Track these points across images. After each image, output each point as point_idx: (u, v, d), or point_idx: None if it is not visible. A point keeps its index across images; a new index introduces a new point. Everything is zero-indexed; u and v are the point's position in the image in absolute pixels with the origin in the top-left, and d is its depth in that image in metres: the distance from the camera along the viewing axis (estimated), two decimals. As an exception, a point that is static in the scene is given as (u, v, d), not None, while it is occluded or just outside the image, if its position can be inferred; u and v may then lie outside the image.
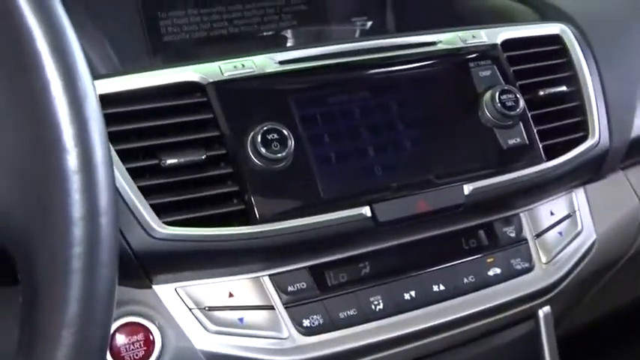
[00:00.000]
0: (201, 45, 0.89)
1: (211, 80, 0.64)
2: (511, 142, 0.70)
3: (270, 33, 0.90)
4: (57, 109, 0.35)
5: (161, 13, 0.88)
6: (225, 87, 0.65)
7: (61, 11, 0.37)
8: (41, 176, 0.36)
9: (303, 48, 0.70)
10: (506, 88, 0.70)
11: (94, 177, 0.36)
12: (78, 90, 0.36)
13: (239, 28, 0.91)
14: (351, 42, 0.71)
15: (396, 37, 0.73)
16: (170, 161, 0.61)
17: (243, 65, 0.66)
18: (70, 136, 0.35)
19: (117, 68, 0.81)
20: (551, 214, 0.76)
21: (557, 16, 0.83)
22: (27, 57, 0.36)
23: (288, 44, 0.91)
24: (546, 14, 0.85)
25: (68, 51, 0.36)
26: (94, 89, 0.37)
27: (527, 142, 0.71)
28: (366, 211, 0.64)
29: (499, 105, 0.69)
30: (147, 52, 0.86)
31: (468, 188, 0.68)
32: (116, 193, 0.39)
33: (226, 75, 0.65)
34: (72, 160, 0.36)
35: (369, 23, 0.95)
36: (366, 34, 0.96)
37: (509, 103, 0.69)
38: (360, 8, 0.94)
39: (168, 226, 0.59)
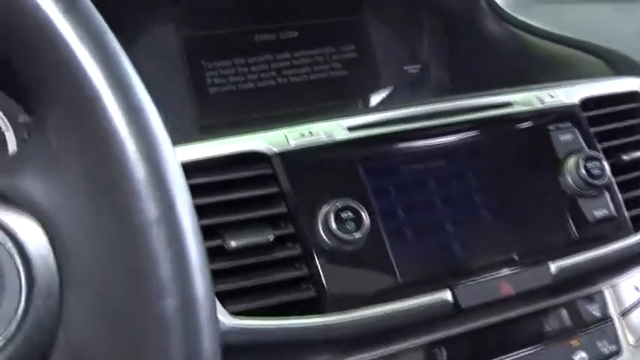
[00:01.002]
0: (248, 97, 0.81)
1: (277, 150, 0.58)
2: (597, 213, 0.64)
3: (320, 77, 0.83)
4: (155, 246, 0.29)
5: (207, 63, 0.81)
6: (292, 157, 0.58)
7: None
8: (138, 318, 0.29)
9: (373, 112, 0.63)
10: (591, 154, 0.63)
11: (196, 318, 0.29)
12: (179, 230, 0.29)
13: (287, 78, 0.84)
14: (423, 105, 0.64)
15: (469, 98, 0.66)
16: (235, 243, 0.53)
17: (310, 133, 0.59)
18: (170, 278, 0.29)
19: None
20: (636, 289, 0.69)
21: (630, 67, 0.76)
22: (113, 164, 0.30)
23: (341, 93, 0.84)
24: (616, 65, 0.79)
25: (170, 185, 0.29)
26: (194, 220, 0.31)
27: (614, 212, 0.64)
28: (447, 295, 0.57)
29: (584, 173, 0.63)
30: (192, 106, 0.79)
31: (554, 267, 0.61)
32: (219, 332, 0.32)
33: (293, 144, 0.58)
34: (173, 302, 0.29)
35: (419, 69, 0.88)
36: (418, 83, 0.88)
37: (595, 171, 0.63)
38: (413, 55, 0.87)
39: (234, 317, 0.52)
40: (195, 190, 0.55)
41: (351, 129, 0.61)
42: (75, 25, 0.30)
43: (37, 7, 0.30)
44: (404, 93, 0.88)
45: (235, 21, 0.82)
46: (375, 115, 0.63)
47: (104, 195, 0.30)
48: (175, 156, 0.32)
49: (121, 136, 0.30)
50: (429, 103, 0.65)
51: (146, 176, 0.30)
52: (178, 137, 0.61)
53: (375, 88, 0.87)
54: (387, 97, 0.86)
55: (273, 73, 0.84)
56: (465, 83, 0.85)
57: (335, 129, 0.61)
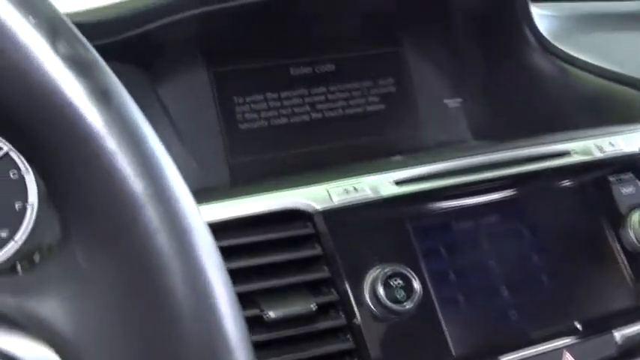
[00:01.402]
0: (281, 132, 0.76)
1: (319, 208, 0.53)
2: (664, 274, 0.58)
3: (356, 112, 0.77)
4: None
5: (237, 98, 0.76)
6: (335, 216, 0.53)
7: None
8: None
9: (420, 164, 0.58)
10: (656, 209, 0.58)
11: None
12: None
13: (322, 112, 0.78)
14: (475, 155, 0.59)
15: (523, 147, 0.61)
16: (274, 314, 0.48)
17: (355, 188, 0.54)
18: None
19: (191, 168, 0.69)
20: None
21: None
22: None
23: (379, 128, 0.79)
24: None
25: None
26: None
27: (680, 272, 0.58)
28: (504, 368, 0.52)
29: (649, 229, 0.57)
30: (222, 143, 0.75)
31: (619, 335, 0.56)
32: None
33: (336, 201, 0.53)
34: None
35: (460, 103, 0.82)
36: (459, 117, 0.83)
37: (661, 228, 0.57)
38: (453, 89, 0.81)
39: (275, 394, 0.47)
40: (229, 253, 0.51)
41: (398, 183, 0.56)
42: (113, 134, 0.25)
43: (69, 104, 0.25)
44: (443, 127, 0.82)
45: (268, 54, 0.77)
46: (423, 168, 0.58)
47: (142, 321, 0.25)
48: (227, 279, 0.27)
49: (164, 256, 0.25)
50: (482, 152, 0.60)
51: (192, 305, 0.25)
52: (210, 192, 0.56)
53: (414, 123, 0.82)
54: (426, 132, 0.81)
55: (308, 108, 0.79)
56: (507, 119, 0.80)
57: (381, 183, 0.56)
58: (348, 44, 0.81)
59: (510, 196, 0.59)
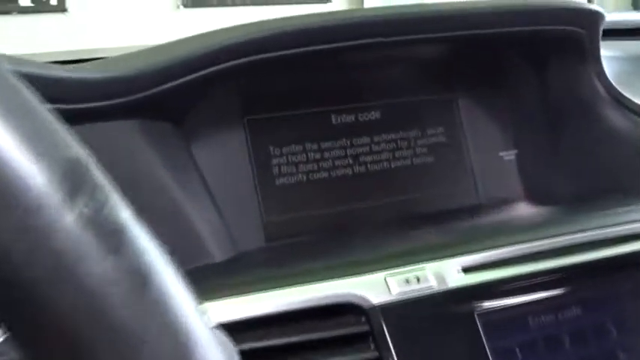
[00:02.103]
0: (321, 188, 0.69)
1: (376, 302, 0.45)
2: None
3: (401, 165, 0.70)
4: None
5: (274, 148, 0.68)
6: (395, 311, 0.45)
7: None
8: None
9: (490, 248, 0.50)
10: None
11: None
12: None
13: (366, 165, 0.71)
14: (552, 236, 0.51)
15: (604, 226, 0.52)
16: None
17: (417, 278, 0.46)
18: None
19: (223, 230, 0.61)
20: None
21: None
22: None
23: (427, 182, 0.72)
24: None
25: None
26: None
27: None
28: None
29: None
30: (256, 199, 0.68)
31: None
32: None
33: (396, 293, 0.45)
34: None
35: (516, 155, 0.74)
36: (513, 172, 0.74)
37: None
38: (510, 141, 0.73)
39: None
40: (271, 353, 0.43)
41: (466, 271, 0.47)
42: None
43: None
44: (498, 183, 0.75)
45: (307, 100, 0.70)
46: (494, 252, 0.49)
47: None
48: None
49: None
50: (555, 230, 0.52)
51: None
52: (241, 282, 0.48)
53: (466, 177, 0.75)
54: (479, 187, 0.74)
55: (350, 161, 0.72)
56: (569, 175, 0.72)
57: (447, 271, 0.48)
58: (396, 90, 0.74)
59: (594, 284, 0.50)
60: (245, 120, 0.69)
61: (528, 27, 0.64)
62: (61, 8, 2.13)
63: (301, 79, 0.70)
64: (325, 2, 2.39)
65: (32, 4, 2.11)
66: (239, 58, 0.55)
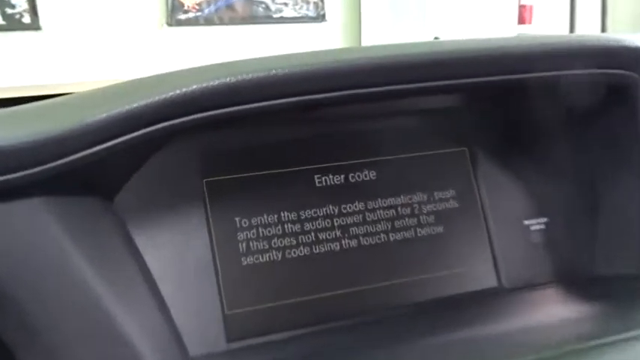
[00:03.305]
0: (300, 270, 0.56)
1: None
2: None
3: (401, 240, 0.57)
4: None
5: (241, 219, 0.54)
6: None
7: None
8: None
9: None
10: None
11: None
12: None
13: (358, 239, 0.58)
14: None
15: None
16: None
17: None
18: None
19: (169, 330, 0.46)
20: None
21: None
22: None
23: (436, 262, 0.59)
24: None
25: None
26: None
27: None
28: None
29: None
30: (215, 285, 0.54)
31: None
32: None
33: None
34: None
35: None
36: (542, 246, 0.59)
37: None
38: (539, 205, 0.59)
39: None
40: None
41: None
42: None
43: None
44: (524, 260, 0.61)
45: (284, 158, 0.57)
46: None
47: None
48: None
49: None
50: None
51: None
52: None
53: (484, 253, 0.60)
54: (501, 266, 0.60)
55: (338, 233, 0.58)
56: (612, 249, 0.58)
57: None
58: (395, 144, 0.60)
59: None
60: (203, 183, 0.55)
61: (561, 71, 0.49)
62: (34, 26, 2.01)
63: (275, 131, 0.56)
64: (320, 22, 2.25)
65: (4, 22, 1.99)
66: (194, 113, 0.40)
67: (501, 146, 0.61)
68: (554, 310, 0.55)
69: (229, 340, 0.52)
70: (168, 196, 0.52)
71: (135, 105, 0.38)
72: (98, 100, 0.41)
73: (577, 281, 0.58)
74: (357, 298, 0.56)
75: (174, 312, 0.50)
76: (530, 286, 0.59)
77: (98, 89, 0.46)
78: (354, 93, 0.42)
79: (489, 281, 0.59)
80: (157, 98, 0.39)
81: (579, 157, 0.59)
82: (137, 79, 0.46)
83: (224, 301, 0.53)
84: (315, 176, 0.57)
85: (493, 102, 0.59)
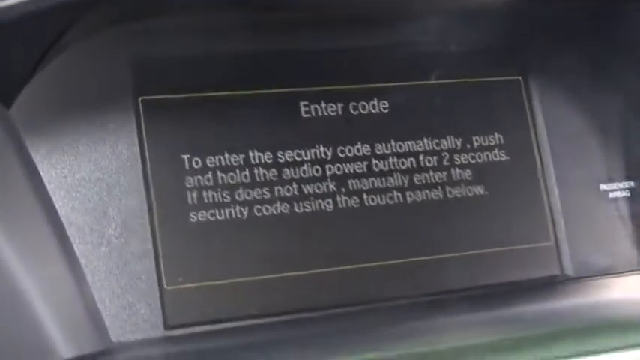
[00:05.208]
0: (273, 235, 0.50)
1: None
2: None
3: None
4: None
5: (191, 158, 0.50)
6: None
7: None
8: None
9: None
10: None
11: None
12: None
13: (359, 197, 0.51)
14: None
15: None
16: None
17: None
18: None
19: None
20: None
21: None
22: None
23: (469, 239, 0.53)
24: None
25: None
26: None
27: None
28: None
29: None
30: (150, 251, 0.48)
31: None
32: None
33: None
34: None
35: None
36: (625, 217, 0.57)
37: None
38: (620, 167, 0.57)
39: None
40: None
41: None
42: None
43: None
44: (600, 240, 0.55)
45: (257, 76, 0.52)
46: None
47: None
48: None
49: None
50: None
51: None
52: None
53: (541, 226, 0.54)
54: (561, 244, 0.54)
55: (331, 187, 0.51)
56: None
57: None
58: (416, 66, 0.55)
59: None
60: (138, 102, 0.49)
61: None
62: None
63: (244, 36, 0.51)
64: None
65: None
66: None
67: (572, 77, 0.56)
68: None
69: (168, 325, 0.46)
70: (86, 118, 0.47)
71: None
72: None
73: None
74: (353, 281, 0.50)
75: (92, 282, 0.45)
76: (605, 275, 0.53)
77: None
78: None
79: (548, 267, 0.54)
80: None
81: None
82: None
83: (163, 272, 0.47)
84: (301, 103, 0.51)
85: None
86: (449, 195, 0.53)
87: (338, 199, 0.51)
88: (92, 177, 0.47)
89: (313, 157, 0.51)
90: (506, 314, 0.50)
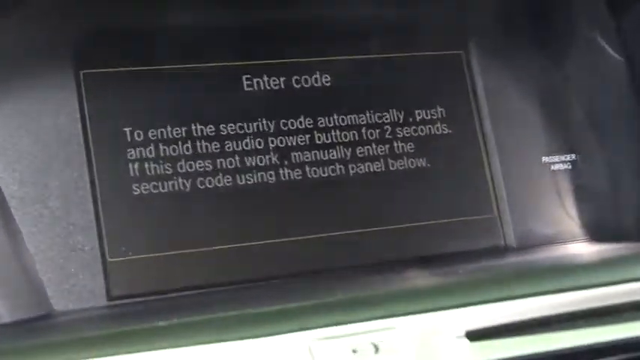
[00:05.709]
0: (215, 207, 0.51)
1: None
2: None
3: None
4: None
5: (133, 130, 0.51)
6: None
7: None
8: None
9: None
10: None
11: None
12: None
13: (301, 169, 0.53)
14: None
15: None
16: None
17: (376, 347, 0.35)
18: None
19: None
20: None
21: None
22: None
23: (406, 212, 0.54)
24: None
25: None
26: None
27: None
28: None
29: None
30: (92, 222, 0.49)
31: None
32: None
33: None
34: None
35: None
36: (567, 188, 0.58)
37: None
38: (562, 136, 0.58)
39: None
40: None
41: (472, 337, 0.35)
42: None
43: None
44: (544, 214, 0.57)
45: (198, 48, 0.53)
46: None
47: None
48: None
49: None
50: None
51: None
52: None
53: (482, 198, 0.56)
54: (503, 215, 0.55)
55: (273, 159, 0.52)
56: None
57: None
58: (360, 39, 0.56)
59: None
60: (80, 75, 0.50)
61: None
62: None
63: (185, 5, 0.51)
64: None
65: None
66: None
67: (513, 52, 0.57)
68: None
69: (110, 295, 0.47)
70: (27, 91, 0.48)
71: None
72: None
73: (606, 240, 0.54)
74: (296, 252, 0.51)
75: (35, 253, 0.46)
76: (546, 245, 0.55)
77: None
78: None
79: (491, 238, 0.55)
80: None
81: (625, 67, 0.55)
82: None
83: (105, 244, 0.48)
84: (244, 77, 0.52)
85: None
86: (391, 167, 0.54)
87: (280, 171, 0.52)
88: (33, 149, 0.47)
89: (256, 129, 0.52)
90: (448, 282, 0.51)
